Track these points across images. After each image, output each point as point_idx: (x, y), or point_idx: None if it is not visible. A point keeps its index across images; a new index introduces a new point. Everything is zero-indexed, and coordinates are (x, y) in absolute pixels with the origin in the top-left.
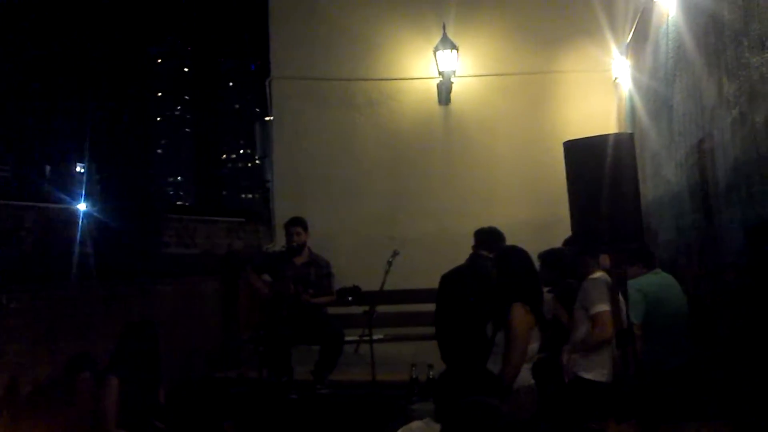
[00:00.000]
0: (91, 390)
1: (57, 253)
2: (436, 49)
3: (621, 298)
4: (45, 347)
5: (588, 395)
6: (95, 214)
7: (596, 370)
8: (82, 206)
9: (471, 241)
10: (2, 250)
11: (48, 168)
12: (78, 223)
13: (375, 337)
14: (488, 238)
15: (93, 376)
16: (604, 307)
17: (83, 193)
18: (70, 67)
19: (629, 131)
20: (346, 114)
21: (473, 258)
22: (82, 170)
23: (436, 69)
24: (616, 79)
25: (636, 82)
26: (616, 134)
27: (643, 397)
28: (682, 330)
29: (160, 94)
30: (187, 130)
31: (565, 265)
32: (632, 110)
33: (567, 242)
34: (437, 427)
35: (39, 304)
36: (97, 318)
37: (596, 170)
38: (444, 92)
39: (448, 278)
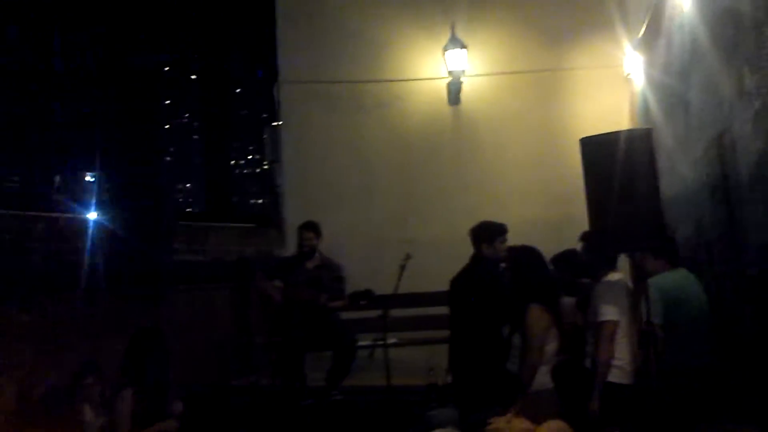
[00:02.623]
0: (98, 395)
1: (67, 262)
2: (445, 49)
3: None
4: (55, 357)
5: (609, 398)
6: (105, 223)
7: (615, 373)
8: (92, 215)
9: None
10: (13, 261)
11: (57, 178)
12: (88, 232)
13: (389, 341)
14: (485, 232)
15: (98, 380)
16: (610, 317)
17: (93, 202)
18: (78, 75)
19: (642, 127)
20: (355, 116)
21: (475, 258)
22: (92, 179)
23: (446, 69)
24: (628, 74)
25: (649, 78)
26: (633, 130)
27: (665, 399)
28: (703, 330)
29: (168, 101)
30: (195, 137)
31: (578, 265)
32: (645, 106)
33: (583, 237)
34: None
35: (49, 314)
36: (107, 327)
37: (614, 167)
38: (454, 92)
39: (455, 283)
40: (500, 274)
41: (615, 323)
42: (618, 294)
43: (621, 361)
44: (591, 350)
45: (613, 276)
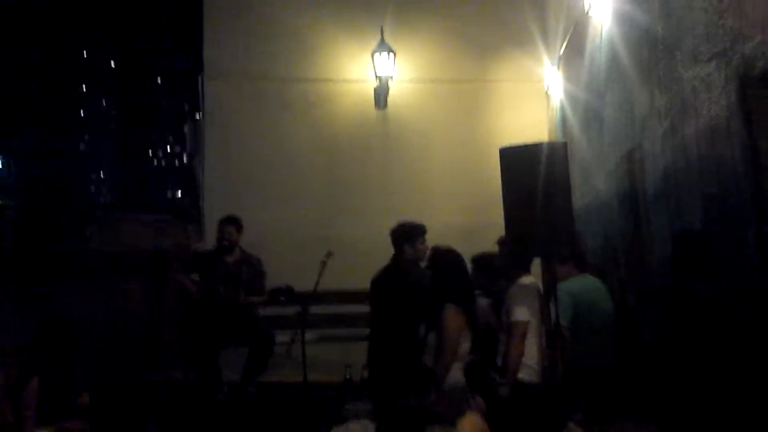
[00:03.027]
0: (3, 384)
1: None
2: (373, 53)
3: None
4: None
5: (518, 395)
6: (13, 209)
7: (524, 371)
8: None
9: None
10: None
11: None
12: None
13: (307, 338)
14: (406, 233)
15: (1, 368)
16: (522, 317)
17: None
18: None
19: (559, 140)
20: (281, 115)
21: (396, 259)
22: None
23: (374, 73)
24: (548, 89)
25: (567, 93)
26: (550, 142)
27: (571, 397)
28: (608, 332)
29: (84, 88)
30: (112, 126)
31: (495, 268)
32: (563, 120)
33: (500, 242)
34: (373, 426)
35: None
36: (16, 315)
37: (530, 176)
38: (381, 96)
39: (376, 281)
40: (420, 274)
41: (526, 323)
42: (530, 296)
43: (530, 360)
44: (503, 349)
45: (526, 279)
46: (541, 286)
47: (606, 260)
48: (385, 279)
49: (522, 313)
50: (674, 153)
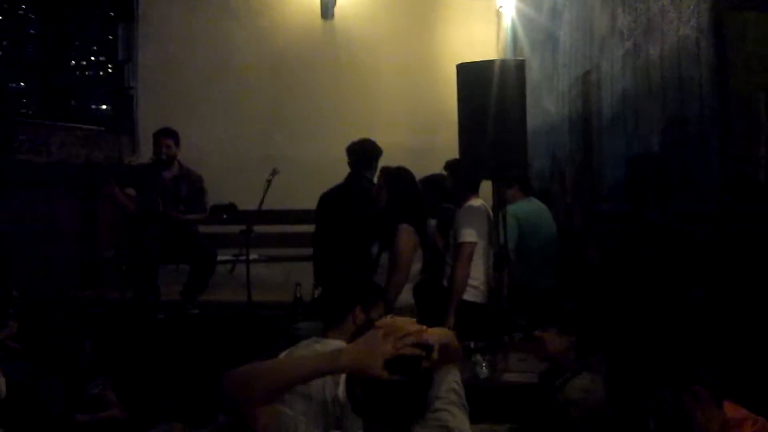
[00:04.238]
0: None
1: None
2: None
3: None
4: None
5: (464, 315)
6: None
7: (470, 292)
8: None
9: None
10: None
11: None
12: None
13: (252, 257)
14: (365, 152)
15: None
16: (468, 238)
17: None
18: None
19: (517, 59)
20: (222, 21)
21: (351, 177)
22: None
23: None
24: (500, 8)
25: (520, 12)
26: (508, 60)
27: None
28: (551, 256)
29: None
30: (32, 31)
31: (443, 190)
32: (514, 40)
33: (447, 165)
34: (329, 342)
35: None
36: None
37: (486, 95)
38: (328, 6)
39: (326, 198)
40: (372, 193)
41: (473, 245)
42: (477, 218)
43: (476, 281)
44: (449, 271)
45: (475, 202)
46: (489, 209)
47: (552, 184)
48: (337, 197)
49: (469, 234)
50: (635, 74)
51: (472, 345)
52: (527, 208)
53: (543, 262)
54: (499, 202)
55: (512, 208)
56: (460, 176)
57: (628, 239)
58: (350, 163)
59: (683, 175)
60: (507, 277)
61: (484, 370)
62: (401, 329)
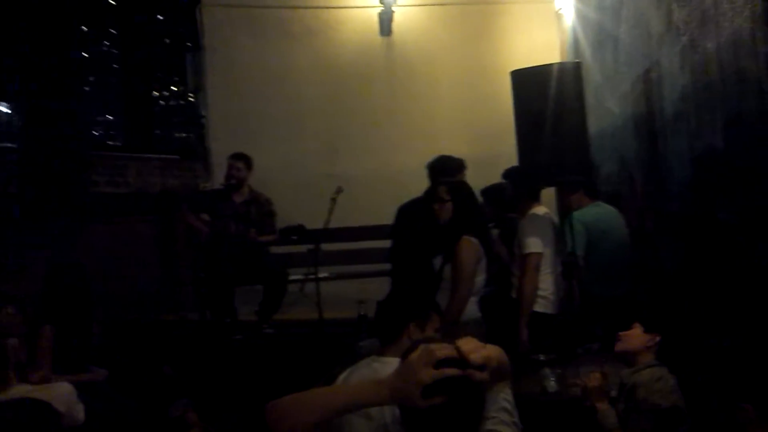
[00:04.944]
0: (19, 328)
1: None
2: None
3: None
4: None
5: (535, 327)
6: (21, 154)
7: (540, 303)
8: (6, 146)
9: (415, 177)
10: None
11: None
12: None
13: (321, 275)
14: (445, 168)
15: (18, 312)
16: (534, 249)
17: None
18: None
19: (572, 61)
20: (282, 44)
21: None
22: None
23: None
24: (559, 10)
25: (579, 13)
26: (563, 63)
27: (586, 328)
28: (623, 261)
29: (85, 28)
30: (115, 66)
31: (504, 200)
32: (575, 42)
33: (506, 174)
34: (386, 360)
35: None
36: (25, 261)
37: (543, 100)
38: (385, 22)
39: (402, 211)
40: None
41: (539, 255)
42: (542, 227)
43: (545, 291)
44: (516, 282)
45: (538, 210)
46: (554, 216)
47: (621, 187)
48: (408, 208)
49: (535, 244)
50: (693, 70)
51: (541, 358)
52: (594, 212)
53: (615, 268)
54: (564, 209)
55: (578, 214)
56: (520, 185)
57: (697, 240)
58: (430, 178)
59: (745, 171)
60: (577, 286)
61: (552, 384)
62: (437, 352)
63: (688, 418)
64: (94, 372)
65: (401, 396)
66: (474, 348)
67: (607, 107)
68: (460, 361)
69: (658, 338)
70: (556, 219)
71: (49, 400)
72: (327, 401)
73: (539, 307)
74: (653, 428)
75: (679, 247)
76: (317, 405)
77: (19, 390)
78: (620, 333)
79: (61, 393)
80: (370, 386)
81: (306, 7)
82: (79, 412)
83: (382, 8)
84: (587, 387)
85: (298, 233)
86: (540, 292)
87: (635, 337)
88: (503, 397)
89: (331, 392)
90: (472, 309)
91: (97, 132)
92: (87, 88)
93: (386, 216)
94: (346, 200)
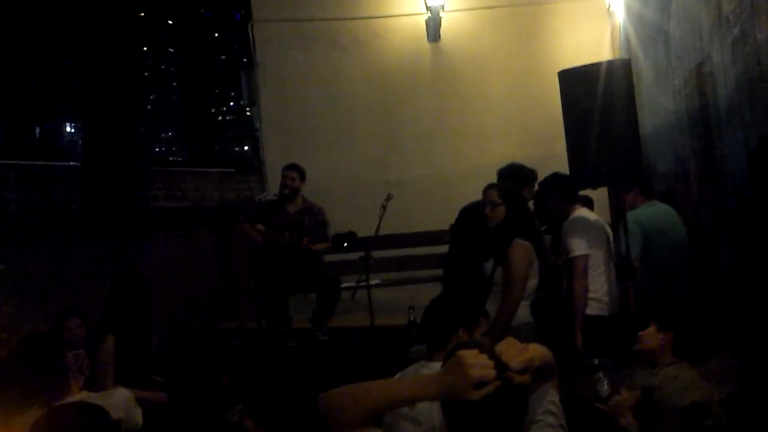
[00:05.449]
0: (82, 339)
1: (42, 211)
2: None
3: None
4: (37, 307)
5: (589, 330)
6: (83, 171)
7: (592, 305)
8: (70, 164)
9: (468, 181)
10: None
11: (37, 129)
12: (64, 180)
13: (372, 282)
14: (515, 174)
15: (81, 324)
16: (578, 251)
17: (73, 151)
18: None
19: (621, 58)
20: (332, 56)
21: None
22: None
23: (424, 4)
24: (609, 7)
25: (629, 9)
26: (612, 61)
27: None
28: (681, 261)
29: (145, 48)
30: (174, 84)
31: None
32: (626, 39)
33: (540, 188)
34: (434, 365)
35: (28, 263)
36: (88, 276)
37: (591, 99)
38: (433, 28)
39: (463, 213)
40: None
41: (585, 257)
42: (583, 228)
43: (597, 293)
44: (567, 286)
45: (578, 212)
46: (598, 217)
47: (677, 184)
48: (468, 210)
49: (579, 246)
50: (746, 61)
51: (596, 362)
52: (650, 212)
53: (673, 269)
54: (619, 209)
55: (633, 214)
56: (552, 192)
57: (754, 237)
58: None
59: None
60: (632, 288)
61: (605, 389)
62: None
63: (717, 408)
64: (154, 392)
65: (451, 390)
66: (515, 351)
67: (660, 104)
68: (500, 364)
69: (671, 336)
70: (602, 220)
71: (107, 406)
72: (379, 393)
73: (592, 309)
74: (676, 428)
75: (736, 245)
76: (370, 397)
77: (79, 397)
78: (639, 333)
79: (119, 399)
80: (420, 381)
81: (353, 18)
82: (138, 416)
83: (429, 15)
84: (614, 403)
85: (348, 240)
86: (592, 294)
87: (650, 336)
88: (549, 400)
89: (383, 385)
90: (524, 313)
91: (158, 148)
92: (149, 107)
93: (438, 222)
94: (397, 207)
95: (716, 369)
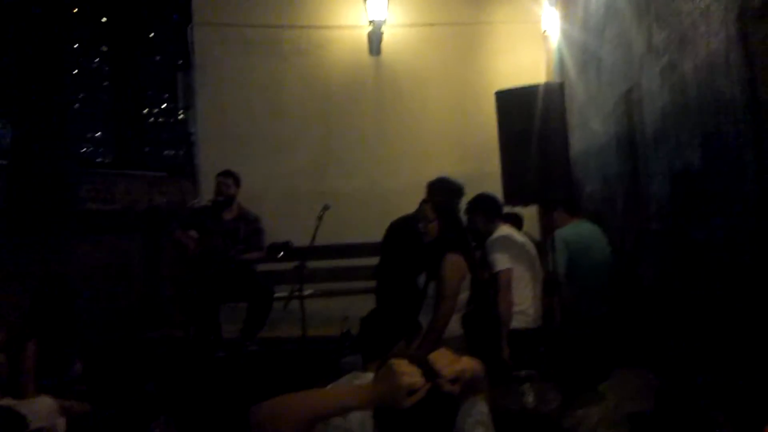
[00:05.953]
0: (1, 341)
1: None
2: None
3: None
4: None
5: (515, 343)
6: (9, 169)
7: (518, 318)
8: None
9: (403, 195)
10: None
11: None
12: None
13: (305, 292)
14: (444, 188)
15: (2, 327)
16: (501, 266)
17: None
18: None
19: (555, 81)
20: (272, 63)
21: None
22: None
23: (366, 18)
24: (545, 30)
25: (565, 34)
26: (546, 83)
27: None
28: (605, 279)
29: (76, 45)
30: (105, 83)
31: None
32: (561, 62)
33: (466, 210)
34: (367, 376)
35: None
36: (9, 275)
37: (526, 119)
38: (375, 42)
39: (392, 227)
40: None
41: (509, 271)
42: (505, 244)
43: (522, 305)
44: (493, 300)
45: (500, 230)
46: (538, 234)
47: (604, 205)
48: (397, 225)
49: (501, 261)
50: (672, 90)
51: (522, 374)
52: (576, 230)
53: (596, 286)
54: (548, 226)
55: (560, 232)
56: (475, 211)
57: (674, 258)
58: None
59: (721, 190)
60: (558, 302)
61: (531, 400)
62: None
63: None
64: (78, 402)
65: (383, 398)
66: (448, 361)
67: (590, 126)
68: (431, 372)
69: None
70: (524, 237)
71: (28, 414)
72: (312, 403)
73: (518, 322)
74: None
75: (657, 264)
76: (303, 407)
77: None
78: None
79: (41, 408)
80: (353, 390)
81: (296, 26)
82: (61, 426)
83: (372, 28)
84: None
85: (284, 250)
86: (517, 308)
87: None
88: (479, 410)
89: (316, 395)
90: (455, 326)
91: (86, 148)
92: (77, 105)
93: (374, 234)
94: (333, 218)
95: (633, 384)
